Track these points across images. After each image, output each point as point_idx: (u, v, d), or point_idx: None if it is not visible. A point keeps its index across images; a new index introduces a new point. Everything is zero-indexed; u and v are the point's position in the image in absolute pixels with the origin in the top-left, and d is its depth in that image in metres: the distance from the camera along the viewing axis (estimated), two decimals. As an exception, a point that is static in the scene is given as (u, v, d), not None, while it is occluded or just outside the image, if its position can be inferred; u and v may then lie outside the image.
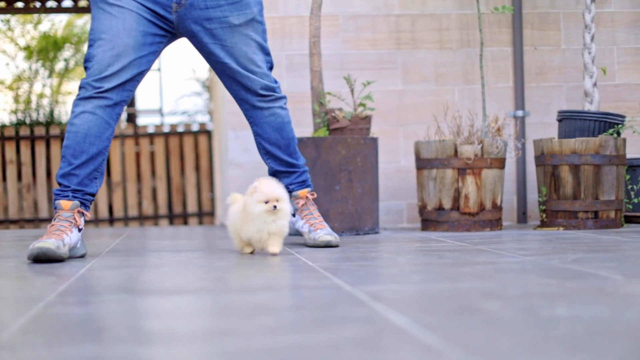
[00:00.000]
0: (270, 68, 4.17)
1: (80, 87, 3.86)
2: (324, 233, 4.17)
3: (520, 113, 6.20)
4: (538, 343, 1.68)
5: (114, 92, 3.85)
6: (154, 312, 2.26)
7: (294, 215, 4.30)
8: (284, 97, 4.22)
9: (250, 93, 4.14)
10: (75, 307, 2.31)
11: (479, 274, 2.91)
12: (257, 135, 4.27)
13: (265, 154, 4.29)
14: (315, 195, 4.44)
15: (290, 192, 4.23)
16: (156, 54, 4.02)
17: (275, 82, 4.18)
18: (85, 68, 3.88)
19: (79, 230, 3.79)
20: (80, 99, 3.84)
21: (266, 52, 4.13)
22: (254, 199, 3.65)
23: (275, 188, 3.66)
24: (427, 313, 2.10)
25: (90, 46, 3.86)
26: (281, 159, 4.28)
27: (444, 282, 2.69)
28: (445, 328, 1.87)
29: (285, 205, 3.69)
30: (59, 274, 3.13)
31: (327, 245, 4.13)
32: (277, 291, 2.60)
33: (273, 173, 4.30)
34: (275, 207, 3.63)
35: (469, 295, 2.36)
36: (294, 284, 2.76)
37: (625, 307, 2.10)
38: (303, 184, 4.33)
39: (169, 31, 4.01)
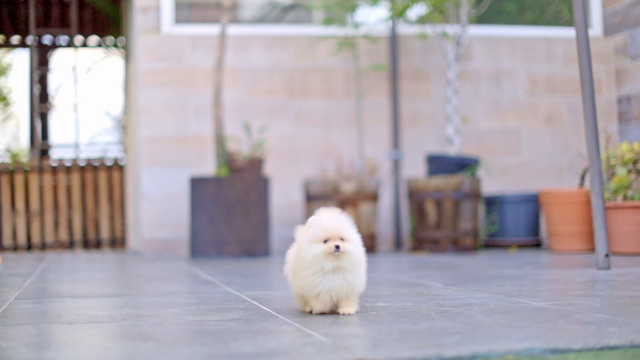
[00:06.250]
0: None
1: None
2: None
3: (394, 155, 7.18)
4: (352, 320, 2.61)
5: None
6: (94, 307, 3.12)
7: None
8: None
9: None
10: (33, 304, 3.16)
11: (337, 284, 3.83)
12: None
13: None
14: None
15: None
16: None
17: None
18: None
19: None
20: None
21: None
22: (308, 237, 2.71)
23: (338, 221, 2.67)
24: (286, 307, 3.01)
25: None
26: None
27: (308, 288, 3.60)
28: (297, 314, 2.79)
29: (354, 247, 2.68)
30: (10, 285, 3.95)
31: None
32: (183, 295, 3.48)
33: None
34: (337, 247, 2.63)
35: (321, 296, 3.28)
36: (196, 290, 3.65)
37: (426, 302, 3.04)
38: None
39: None
